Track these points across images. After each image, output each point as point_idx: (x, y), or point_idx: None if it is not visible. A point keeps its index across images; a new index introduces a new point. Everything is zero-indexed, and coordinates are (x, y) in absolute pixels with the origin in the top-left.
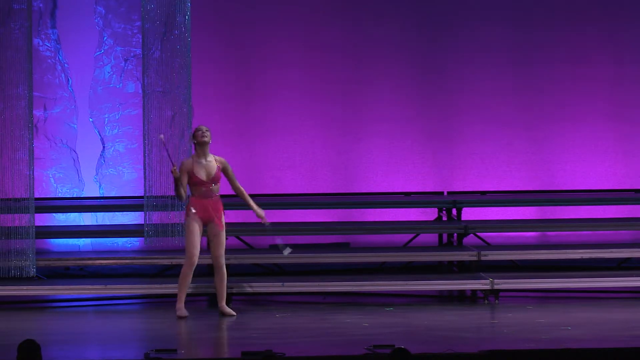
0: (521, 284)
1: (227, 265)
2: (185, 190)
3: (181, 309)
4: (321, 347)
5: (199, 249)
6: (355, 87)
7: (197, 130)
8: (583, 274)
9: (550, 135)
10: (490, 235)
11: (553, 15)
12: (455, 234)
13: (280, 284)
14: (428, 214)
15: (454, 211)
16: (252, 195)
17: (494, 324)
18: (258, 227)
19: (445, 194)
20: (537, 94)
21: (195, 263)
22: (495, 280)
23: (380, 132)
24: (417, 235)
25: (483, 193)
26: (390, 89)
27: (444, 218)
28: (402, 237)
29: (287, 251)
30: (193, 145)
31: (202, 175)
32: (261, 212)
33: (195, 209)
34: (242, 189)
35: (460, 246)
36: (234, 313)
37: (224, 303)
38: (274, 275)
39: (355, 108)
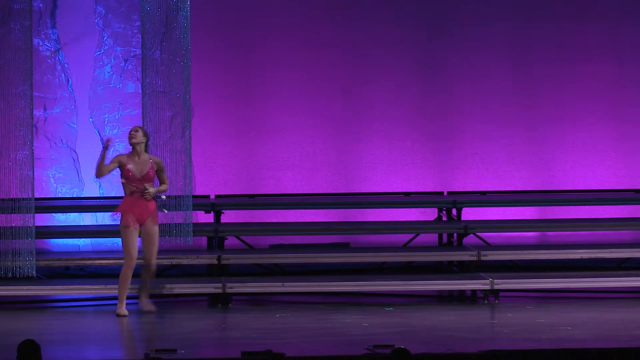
0: (521, 284)
1: (228, 265)
2: (105, 168)
3: (122, 307)
4: (321, 347)
5: (137, 250)
6: (355, 87)
7: (129, 132)
8: (583, 274)
9: (551, 135)
10: (490, 235)
11: (554, 15)
12: (455, 234)
13: (280, 284)
14: (428, 214)
15: (454, 211)
16: (251, 195)
17: (494, 324)
18: (258, 227)
19: (445, 194)
20: (538, 93)
21: (134, 265)
22: (495, 280)
23: (380, 131)
24: (417, 235)
25: (483, 193)
26: (390, 89)
27: (444, 218)
28: (402, 237)
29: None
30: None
31: (135, 172)
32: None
33: (129, 209)
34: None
35: (460, 246)
36: (154, 309)
37: (147, 298)
38: (274, 275)
39: (355, 108)
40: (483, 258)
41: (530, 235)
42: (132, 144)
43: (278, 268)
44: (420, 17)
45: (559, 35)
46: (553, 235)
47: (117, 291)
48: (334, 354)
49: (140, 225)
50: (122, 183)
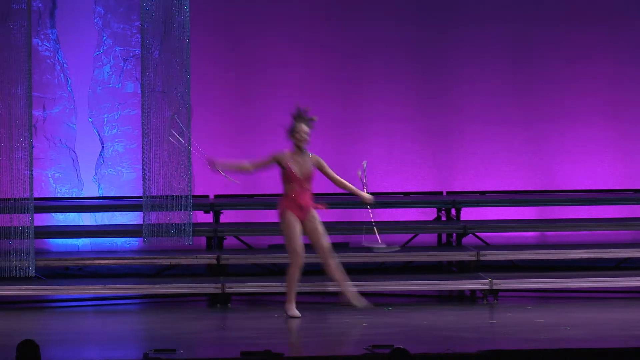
0: (520, 284)
1: (227, 265)
2: (239, 164)
3: (292, 309)
4: (320, 347)
5: (302, 247)
6: (355, 87)
7: (298, 132)
8: (582, 274)
9: (550, 134)
10: (489, 235)
11: (553, 15)
12: (454, 234)
13: (279, 283)
14: (427, 213)
15: (453, 211)
16: (250, 195)
17: (493, 324)
18: (257, 227)
19: (445, 194)
20: (537, 93)
21: (301, 262)
22: (494, 280)
23: (380, 131)
24: (416, 235)
25: (482, 193)
26: (390, 89)
27: (443, 218)
28: (401, 237)
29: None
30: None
31: (297, 171)
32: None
33: (289, 207)
34: (335, 179)
35: (459, 246)
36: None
37: (352, 293)
38: (273, 275)
39: (354, 108)
40: (482, 258)
41: (529, 235)
42: (300, 146)
43: (277, 268)
44: (420, 17)
45: (558, 35)
46: (552, 235)
47: (116, 291)
48: (332, 354)
49: (302, 222)
50: (282, 181)
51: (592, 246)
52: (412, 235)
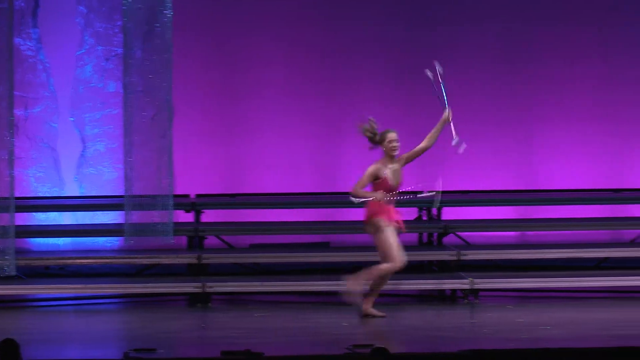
0: (501, 283)
1: (207, 265)
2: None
3: (370, 308)
4: (300, 346)
5: (401, 250)
6: (339, 87)
7: (389, 141)
8: (562, 273)
9: (532, 135)
10: (471, 235)
11: (540, 15)
12: (435, 234)
13: (259, 283)
14: (408, 213)
15: (434, 211)
16: (232, 195)
17: (474, 324)
18: (238, 227)
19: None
20: (520, 93)
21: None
22: (475, 280)
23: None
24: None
25: (464, 192)
26: (374, 88)
27: (424, 217)
28: None
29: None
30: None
31: (392, 180)
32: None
33: (381, 211)
34: (424, 144)
35: (440, 246)
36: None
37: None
38: (254, 274)
39: (338, 107)
40: (463, 258)
41: (510, 235)
42: (392, 155)
43: (258, 267)
44: (404, 18)
45: (544, 35)
46: (533, 235)
47: (97, 291)
48: (313, 354)
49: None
50: (374, 189)
51: (572, 246)
52: None
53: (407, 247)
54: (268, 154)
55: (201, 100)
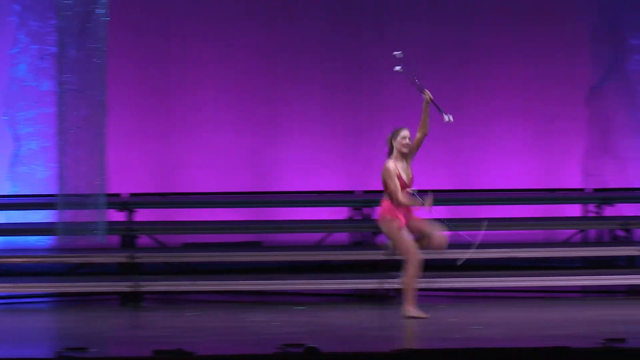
0: (433, 283)
1: (140, 264)
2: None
3: (413, 309)
4: (232, 346)
5: (415, 246)
6: (272, 86)
7: (402, 137)
8: (496, 273)
9: (466, 134)
10: None
11: (469, 15)
12: (367, 233)
13: (191, 282)
14: (340, 212)
15: (366, 210)
16: (164, 194)
17: (405, 323)
18: (171, 226)
19: (358, 192)
20: (453, 93)
21: (419, 261)
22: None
23: (295, 131)
24: (330, 234)
25: None
26: (307, 89)
27: (356, 217)
28: (315, 236)
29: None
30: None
31: (405, 178)
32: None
33: (395, 211)
34: (419, 135)
35: (370, 244)
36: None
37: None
38: (186, 274)
39: (271, 107)
40: (394, 257)
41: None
42: (403, 152)
43: (190, 267)
44: (332, 19)
45: (473, 35)
46: (467, 234)
47: (28, 289)
48: (244, 353)
49: (407, 224)
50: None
51: (506, 245)
52: (325, 234)
53: (339, 247)
54: (201, 153)
55: (135, 99)
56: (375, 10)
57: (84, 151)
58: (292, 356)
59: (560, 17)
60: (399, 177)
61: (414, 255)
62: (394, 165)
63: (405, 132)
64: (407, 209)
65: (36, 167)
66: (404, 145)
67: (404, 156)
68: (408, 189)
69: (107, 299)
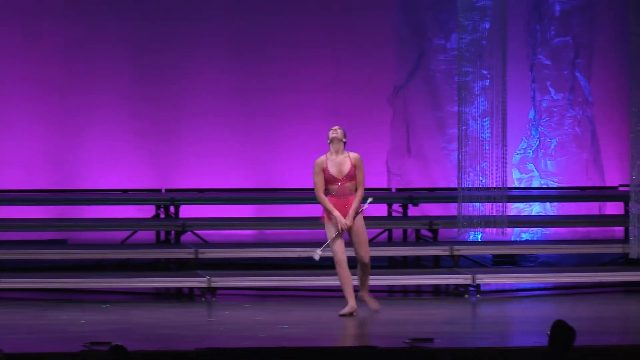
0: (238, 282)
1: None
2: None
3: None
4: (37, 343)
5: (340, 246)
6: (75, 84)
7: (331, 129)
8: (300, 272)
9: (268, 133)
10: (209, 233)
11: (272, 13)
12: (173, 232)
13: None
14: (146, 211)
15: (172, 208)
16: None
17: (211, 322)
18: None
19: (163, 191)
20: (255, 93)
21: (344, 260)
22: (213, 278)
23: (100, 129)
24: (135, 232)
25: (201, 191)
26: (109, 88)
27: (162, 215)
28: (120, 234)
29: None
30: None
31: (334, 173)
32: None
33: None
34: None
35: (177, 244)
36: (377, 307)
37: (366, 292)
38: None
39: (74, 105)
40: (201, 256)
41: (249, 234)
42: (331, 139)
43: None
44: (140, 13)
45: (278, 34)
46: (272, 233)
47: None
48: (50, 351)
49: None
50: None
51: (309, 244)
52: (131, 232)
53: (144, 245)
54: (8, 151)
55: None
56: (177, 8)
57: None
58: (99, 354)
59: (365, 15)
60: (326, 171)
61: (334, 254)
62: (324, 159)
63: (335, 127)
64: (342, 203)
65: None
66: (330, 135)
67: (338, 150)
68: (340, 183)
69: None
